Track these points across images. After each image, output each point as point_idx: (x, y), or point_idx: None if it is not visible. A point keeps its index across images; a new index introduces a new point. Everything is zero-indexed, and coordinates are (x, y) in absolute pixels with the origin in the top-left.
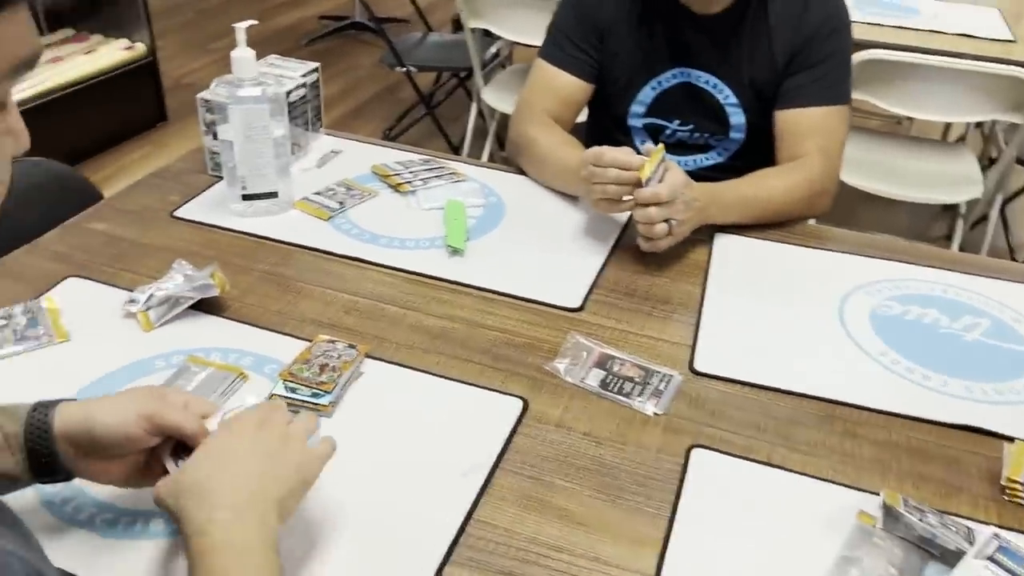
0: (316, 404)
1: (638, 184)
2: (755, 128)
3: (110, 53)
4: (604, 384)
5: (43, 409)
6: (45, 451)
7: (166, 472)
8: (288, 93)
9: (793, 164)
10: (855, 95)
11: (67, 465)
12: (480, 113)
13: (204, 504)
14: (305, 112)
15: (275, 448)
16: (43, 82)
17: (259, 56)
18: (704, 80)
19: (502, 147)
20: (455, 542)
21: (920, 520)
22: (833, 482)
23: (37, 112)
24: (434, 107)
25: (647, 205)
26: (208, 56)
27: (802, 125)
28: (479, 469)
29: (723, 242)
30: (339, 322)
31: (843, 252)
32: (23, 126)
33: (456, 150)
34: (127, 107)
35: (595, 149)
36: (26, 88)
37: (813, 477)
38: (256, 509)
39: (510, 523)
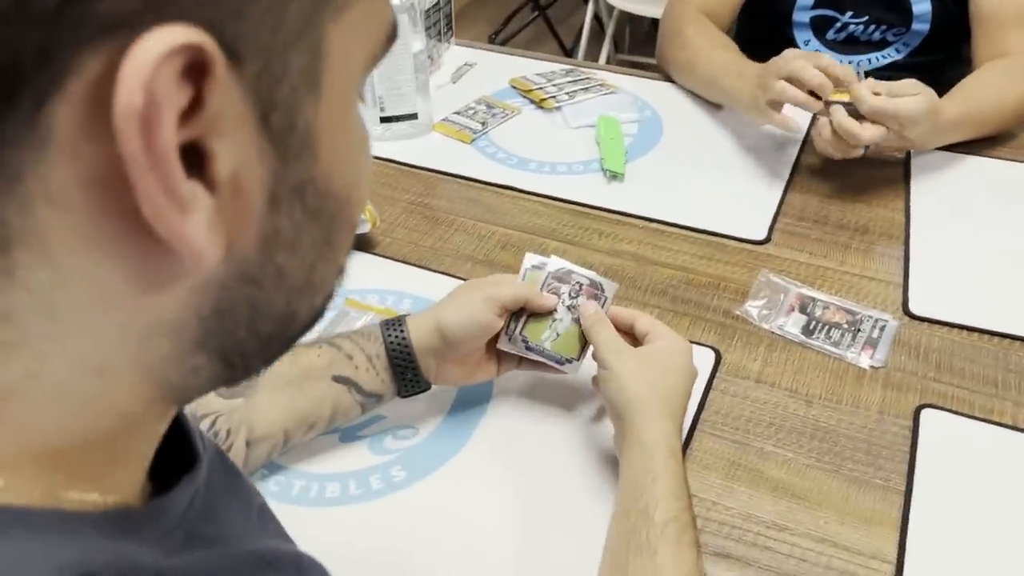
0: None
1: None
2: (943, 17)
3: None
4: (807, 331)
5: (397, 327)
6: (409, 366)
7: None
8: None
9: (1014, 64)
10: None
11: (427, 375)
12: (596, 14)
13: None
14: (438, 21)
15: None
16: None
17: None
18: None
19: (618, 49)
20: None
21: None
22: None
23: None
24: (545, 8)
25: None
26: None
27: (1009, 12)
28: None
29: (922, 158)
30: (496, 258)
31: None
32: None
33: (569, 53)
34: None
35: (800, 53)
36: None
37: None
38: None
39: (718, 495)
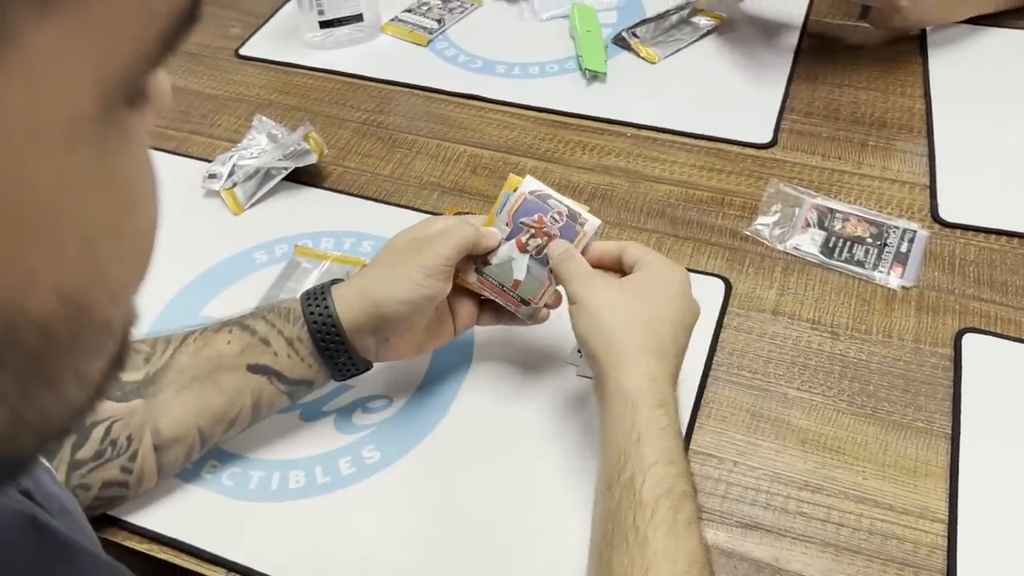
0: None
1: None
2: None
3: None
4: (827, 249)
5: (319, 301)
6: (340, 349)
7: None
8: None
9: None
10: None
11: (365, 356)
12: None
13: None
14: None
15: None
16: None
17: None
18: None
19: None
20: None
21: None
22: None
23: None
24: None
25: None
26: None
27: None
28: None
29: (939, 33)
30: (466, 184)
31: None
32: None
33: None
34: None
35: None
36: None
37: None
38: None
39: (739, 453)
